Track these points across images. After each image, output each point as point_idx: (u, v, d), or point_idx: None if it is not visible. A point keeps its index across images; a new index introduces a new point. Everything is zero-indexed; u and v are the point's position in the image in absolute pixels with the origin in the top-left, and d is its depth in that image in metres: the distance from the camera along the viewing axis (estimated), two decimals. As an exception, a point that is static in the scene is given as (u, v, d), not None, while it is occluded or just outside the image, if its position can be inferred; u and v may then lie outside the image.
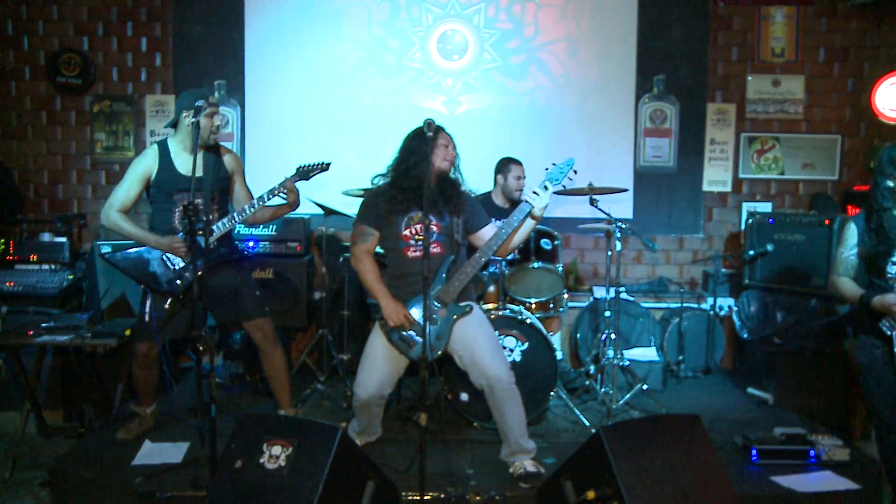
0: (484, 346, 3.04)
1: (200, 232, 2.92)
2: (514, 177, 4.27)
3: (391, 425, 3.49)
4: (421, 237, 2.91)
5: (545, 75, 5.07)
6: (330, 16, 5.03)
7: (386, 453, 3.27)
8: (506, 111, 5.07)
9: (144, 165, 3.27)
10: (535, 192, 2.96)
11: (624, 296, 4.65)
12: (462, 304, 3.09)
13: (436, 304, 3.03)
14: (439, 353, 3.05)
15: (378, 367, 3.10)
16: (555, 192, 4.09)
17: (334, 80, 5.05)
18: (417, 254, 3.02)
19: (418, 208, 2.98)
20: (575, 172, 3.03)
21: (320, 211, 4.23)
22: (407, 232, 3.07)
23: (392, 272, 3.16)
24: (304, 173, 3.32)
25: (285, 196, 3.29)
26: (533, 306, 4.06)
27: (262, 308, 3.46)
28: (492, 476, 3.09)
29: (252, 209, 3.26)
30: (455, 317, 3.05)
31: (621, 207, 4.89)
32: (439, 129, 3.02)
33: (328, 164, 3.36)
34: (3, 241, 4.34)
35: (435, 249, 3.05)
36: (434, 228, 3.02)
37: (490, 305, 3.83)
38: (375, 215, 3.10)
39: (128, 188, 3.26)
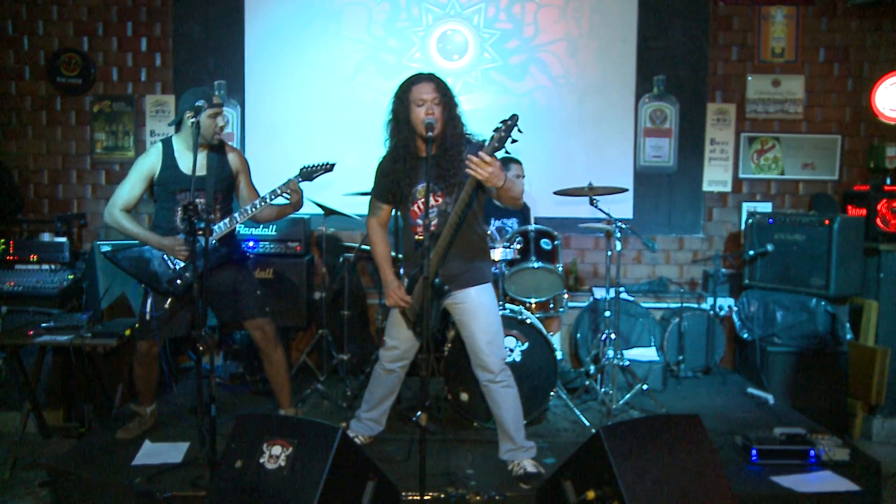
0: (482, 333, 3.00)
1: (201, 232, 2.92)
2: (512, 175, 4.26)
3: (391, 425, 3.49)
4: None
5: (545, 75, 5.07)
6: (330, 16, 5.03)
7: (386, 453, 3.28)
8: (506, 111, 4.90)
9: (148, 164, 3.26)
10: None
11: (624, 296, 4.65)
12: (447, 285, 2.94)
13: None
14: (429, 333, 2.99)
15: (399, 333, 3.13)
16: (554, 193, 4.14)
17: (334, 80, 5.04)
18: (420, 236, 2.93)
19: (423, 179, 2.86)
20: (520, 132, 2.74)
21: (320, 211, 4.22)
22: (415, 208, 2.98)
23: (404, 251, 3.15)
24: (308, 174, 3.30)
25: (288, 196, 3.28)
26: (533, 306, 4.06)
27: (263, 308, 3.46)
28: (492, 476, 3.09)
29: (253, 209, 3.25)
30: (440, 298, 2.96)
31: (621, 207, 4.89)
32: (414, 82, 2.91)
33: (332, 165, 3.35)
34: (3, 241, 4.34)
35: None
36: (440, 199, 2.94)
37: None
38: (382, 187, 3.03)
39: (131, 186, 3.25)
